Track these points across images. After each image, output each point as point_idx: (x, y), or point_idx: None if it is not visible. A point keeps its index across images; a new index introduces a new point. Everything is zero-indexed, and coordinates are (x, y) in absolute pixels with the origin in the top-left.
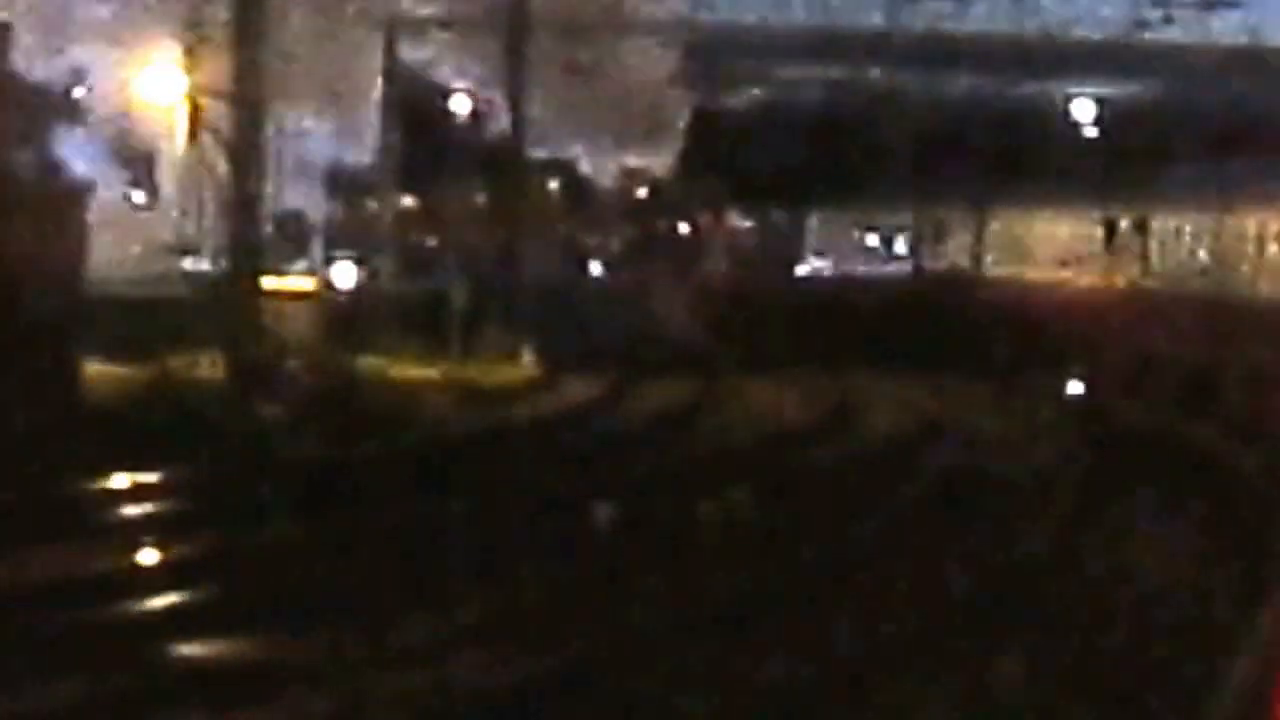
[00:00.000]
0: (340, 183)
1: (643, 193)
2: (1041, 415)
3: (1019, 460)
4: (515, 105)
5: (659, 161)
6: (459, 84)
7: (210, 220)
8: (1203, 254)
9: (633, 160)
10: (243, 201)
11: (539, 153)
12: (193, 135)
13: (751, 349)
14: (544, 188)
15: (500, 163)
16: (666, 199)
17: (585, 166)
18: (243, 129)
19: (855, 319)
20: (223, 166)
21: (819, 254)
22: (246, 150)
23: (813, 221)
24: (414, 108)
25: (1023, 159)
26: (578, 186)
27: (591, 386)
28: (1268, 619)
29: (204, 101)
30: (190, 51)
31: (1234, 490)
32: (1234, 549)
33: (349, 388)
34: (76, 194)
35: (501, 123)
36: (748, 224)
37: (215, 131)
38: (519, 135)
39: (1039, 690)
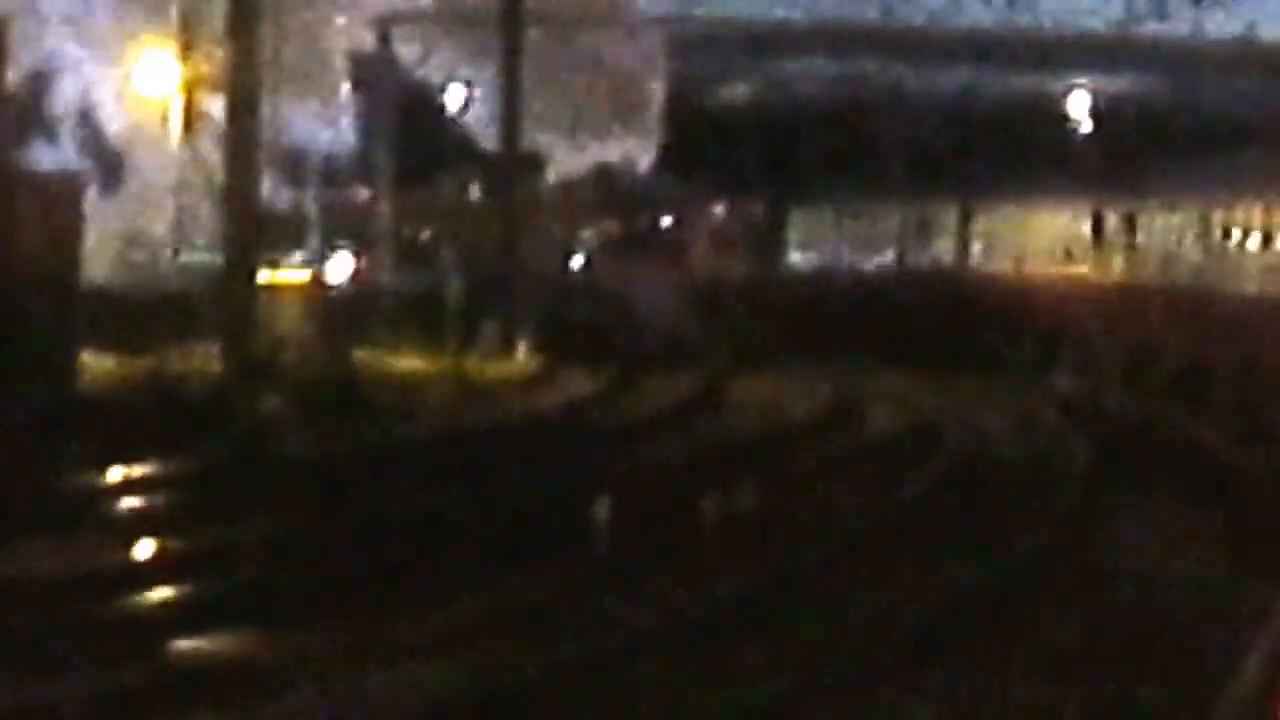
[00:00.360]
0: (314, 174)
1: (625, 186)
2: (1030, 408)
3: (1013, 453)
4: (508, 100)
5: (640, 155)
6: (440, 76)
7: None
8: (1194, 249)
9: (614, 154)
10: (236, 193)
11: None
12: (187, 128)
13: (737, 343)
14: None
15: (474, 156)
16: (649, 193)
17: (564, 159)
18: (237, 120)
19: (841, 313)
20: (216, 159)
21: (804, 248)
22: (241, 142)
23: (798, 216)
24: (389, 99)
25: (1014, 153)
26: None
27: (566, 380)
28: (1273, 619)
29: (199, 94)
30: (185, 44)
31: (1228, 484)
32: (1230, 543)
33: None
34: (72, 185)
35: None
36: (731, 218)
37: (209, 123)
38: (510, 129)
39: (1042, 687)
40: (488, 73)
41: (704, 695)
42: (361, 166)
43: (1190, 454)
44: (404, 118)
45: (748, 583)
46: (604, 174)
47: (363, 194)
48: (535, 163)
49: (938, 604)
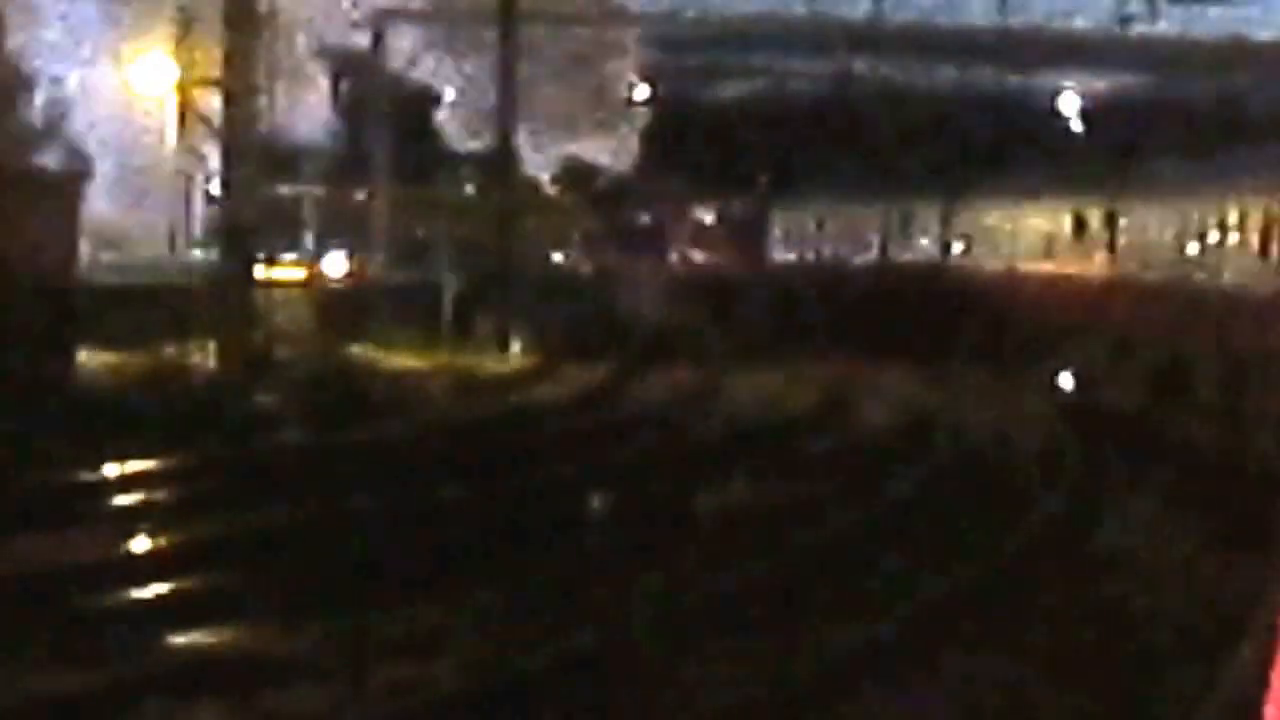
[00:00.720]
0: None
1: (607, 183)
2: (1017, 402)
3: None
4: (503, 97)
5: (621, 152)
6: (430, 72)
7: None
8: (1176, 245)
9: (596, 151)
10: (233, 189)
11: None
12: (183, 124)
13: (719, 339)
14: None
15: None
16: (630, 189)
17: (546, 156)
18: (233, 117)
19: (822, 309)
20: (213, 155)
21: (787, 245)
22: (237, 138)
23: (779, 213)
24: (371, 95)
25: (1005, 151)
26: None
27: (561, 375)
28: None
29: (195, 90)
30: (181, 39)
31: (1214, 476)
32: (1219, 535)
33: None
34: (68, 183)
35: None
36: (713, 215)
37: (205, 119)
38: (505, 127)
39: (1038, 684)
40: (476, 69)
41: (701, 692)
42: (348, 163)
43: (1176, 447)
44: (386, 114)
45: (744, 578)
46: (585, 171)
47: (355, 191)
48: (514, 159)
49: (933, 601)
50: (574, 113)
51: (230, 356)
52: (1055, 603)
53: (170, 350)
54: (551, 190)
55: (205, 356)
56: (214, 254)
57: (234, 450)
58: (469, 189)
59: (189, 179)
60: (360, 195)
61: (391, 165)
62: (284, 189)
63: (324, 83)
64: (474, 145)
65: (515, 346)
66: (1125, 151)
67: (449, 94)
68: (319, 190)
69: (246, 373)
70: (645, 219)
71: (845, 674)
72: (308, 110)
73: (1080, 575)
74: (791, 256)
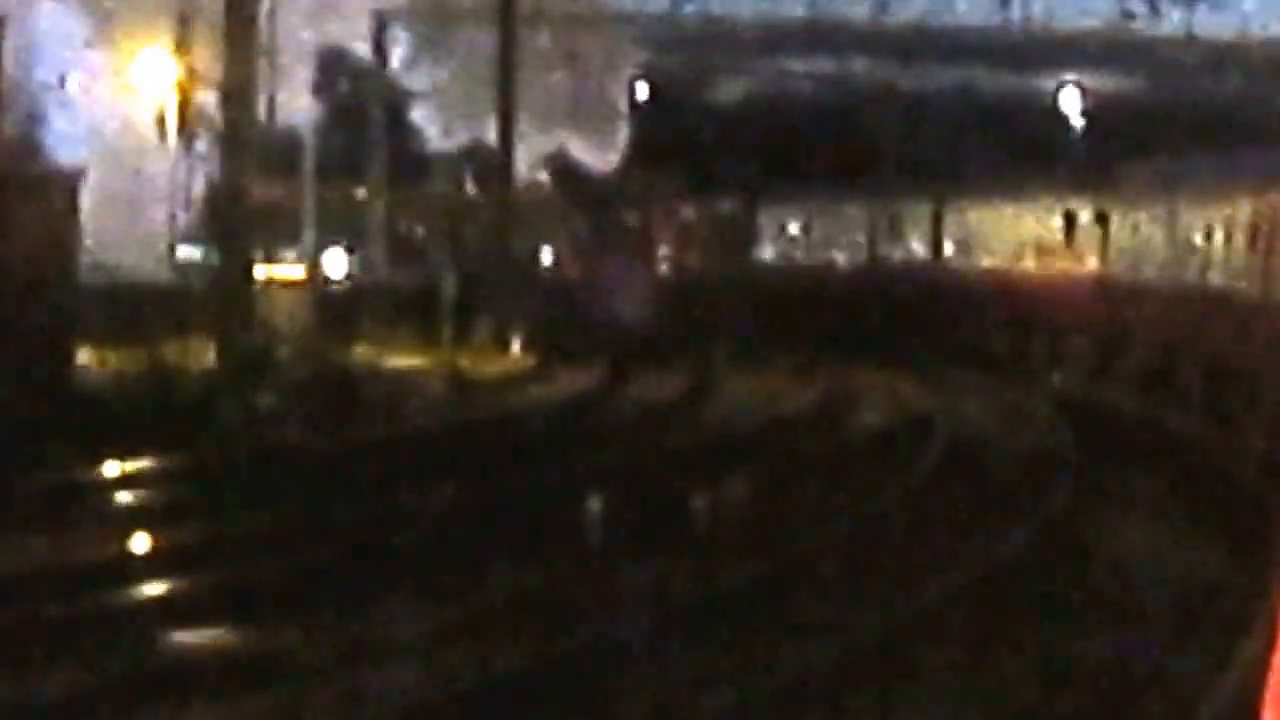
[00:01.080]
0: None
1: (591, 183)
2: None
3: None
4: (501, 96)
5: (610, 151)
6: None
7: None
8: (1165, 245)
9: (584, 150)
10: (231, 188)
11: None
12: (182, 123)
13: (706, 338)
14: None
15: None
16: (616, 189)
17: (532, 155)
18: (233, 117)
19: (813, 308)
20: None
21: (776, 245)
22: (236, 137)
23: (769, 214)
24: (360, 96)
25: (990, 150)
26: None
27: (558, 375)
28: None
29: (194, 90)
30: (181, 39)
31: (1207, 471)
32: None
33: None
34: (68, 182)
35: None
36: (698, 215)
37: (205, 119)
38: (506, 128)
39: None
40: (473, 69)
41: (699, 690)
42: (341, 162)
43: (1166, 444)
44: (381, 114)
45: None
46: (569, 169)
47: (349, 189)
48: (492, 158)
49: (930, 598)
50: (565, 112)
51: (229, 356)
52: (1052, 602)
53: (169, 350)
54: (542, 189)
55: (204, 356)
56: (212, 253)
57: (232, 450)
58: (458, 188)
59: (188, 178)
60: (353, 194)
61: (385, 164)
62: (281, 188)
63: (321, 82)
64: (466, 144)
65: (486, 344)
66: (1123, 151)
67: (447, 94)
68: (315, 189)
69: (245, 372)
70: (633, 219)
71: (843, 674)
72: (305, 109)
73: (1077, 574)
74: (782, 257)
